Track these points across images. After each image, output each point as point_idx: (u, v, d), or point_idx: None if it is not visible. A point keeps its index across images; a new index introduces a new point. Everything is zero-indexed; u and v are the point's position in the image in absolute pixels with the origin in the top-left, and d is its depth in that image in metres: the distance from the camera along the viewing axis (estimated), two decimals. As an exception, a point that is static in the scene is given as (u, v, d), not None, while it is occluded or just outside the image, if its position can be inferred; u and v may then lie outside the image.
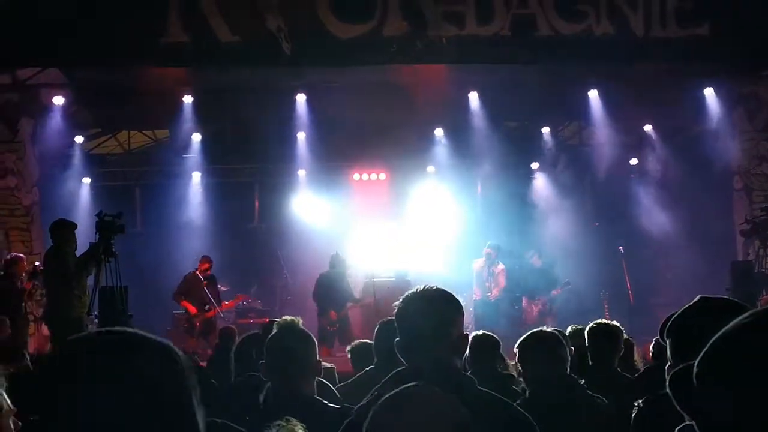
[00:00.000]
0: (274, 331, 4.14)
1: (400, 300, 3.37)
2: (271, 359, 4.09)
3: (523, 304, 16.14)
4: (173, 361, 1.62)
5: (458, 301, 3.37)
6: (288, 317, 4.26)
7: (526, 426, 3.23)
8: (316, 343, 4.19)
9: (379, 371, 5.72)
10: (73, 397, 1.53)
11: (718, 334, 1.48)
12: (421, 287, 3.39)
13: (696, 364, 1.49)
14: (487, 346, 6.00)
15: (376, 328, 6.01)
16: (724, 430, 1.43)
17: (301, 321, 4.19)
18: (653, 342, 6.64)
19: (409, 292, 3.38)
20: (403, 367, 3.32)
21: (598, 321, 6.33)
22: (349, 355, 6.96)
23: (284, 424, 3.04)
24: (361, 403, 3.34)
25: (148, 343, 1.63)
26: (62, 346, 1.64)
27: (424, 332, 3.25)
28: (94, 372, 1.55)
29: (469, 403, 2.96)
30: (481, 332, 5.76)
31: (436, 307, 3.30)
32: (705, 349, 1.49)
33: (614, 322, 6.33)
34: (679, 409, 1.54)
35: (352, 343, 7.19)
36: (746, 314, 1.49)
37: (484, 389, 3.27)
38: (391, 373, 3.33)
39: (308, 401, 3.93)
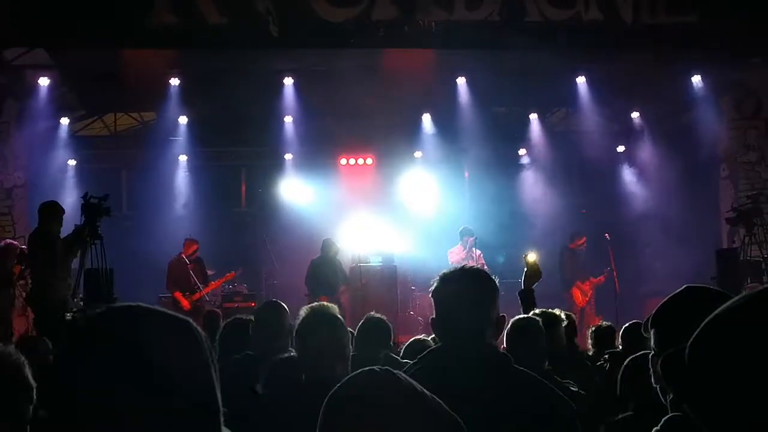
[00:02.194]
0: (305, 316, 4.13)
1: (438, 278, 3.37)
2: (305, 345, 4.10)
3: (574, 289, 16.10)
4: (194, 335, 1.62)
5: (495, 282, 3.37)
6: (323, 302, 4.29)
7: (565, 407, 3.23)
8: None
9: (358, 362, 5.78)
10: (91, 373, 1.52)
11: (710, 316, 1.48)
12: (460, 266, 3.40)
13: (688, 346, 1.49)
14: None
15: (361, 322, 6.06)
16: (716, 411, 1.43)
17: (336, 308, 4.20)
18: (622, 330, 6.73)
19: (447, 270, 3.39)
20: (438, 344, 3.35)
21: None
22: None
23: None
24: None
25: (165, 317, 1.63)
26: (79, 322, 1.63)
27: (462, 312, 3.26)
28: (113, 346, 1.54)
29: (507, 382, 2.98)
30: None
31: (475, 286, 3.31)
32: (698, 331, 1.49)
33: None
34: (670, 391, 1.54)
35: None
36: (737, 297, 1.50)
37: (521, 368, 3.27)
38: (426, 351, 3.38)
39: None
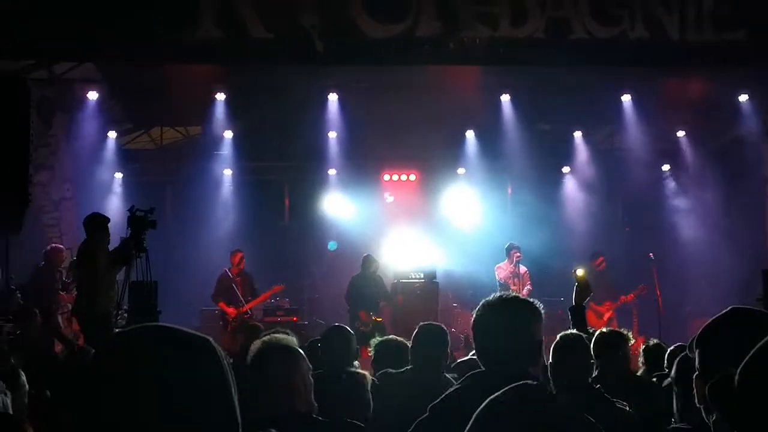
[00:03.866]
0: (259, 348, 4.04)
1: (479, 306, 3.41)
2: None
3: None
4: (214, 354, 1.64)
5: (538, 308, 3.39)
6: (278, 334, 4.22)
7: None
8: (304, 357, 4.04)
9: (416, 373, 5.79)
10: (116, 391, 1.55)
11: (761, 343, 1.48)
12: (500, 294, 3.44)
13: (739, 372, 1.49)
14: None
15: (416, 331, 6.03)
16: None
17: (293, 340, 4.10)
18: (668, 353, 6.64)
19: (489, 298, 3.42)
20: (481, 370, 3.36)
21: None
22: (371, 352, 6.93)
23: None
24: (435, 403, 3.36)
25: (187, 337, 1.66)
26: (105, 342, 1.67)
27: (501, 339, 3.29)
28: (139, 366, 1.58)
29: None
30: None
31: (515, 313, 3.34)
32: (748, 358, 1.49)
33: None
34: (718, 414, 1.53)
35: (378, 339, 7.17)
36: None
37: (564, 401, 3.28)
38: (467, 375, 3.39)
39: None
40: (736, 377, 1.49)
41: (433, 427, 3.25)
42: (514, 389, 1.97)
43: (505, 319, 3.31)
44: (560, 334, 5.29)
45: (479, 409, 1.96)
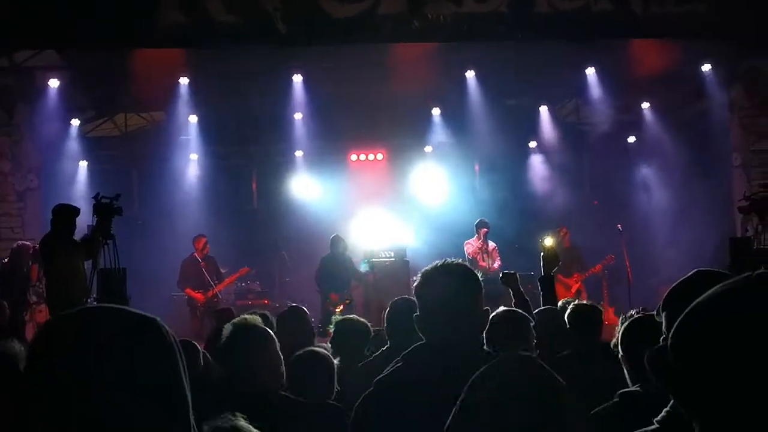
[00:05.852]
0: (230, 331, 4.13)
1: (420, 274, 3.33)
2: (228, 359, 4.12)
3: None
4: (161, 335, 1.61)
5: (477, 276, 3.32)
6: (247, 316, 4.27)
7: (555, 389, 3.23)
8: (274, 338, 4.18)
9: (394, 353, 5.66)
10: (62, 372, 1.53)
11: (692, 304, 1.47)
12: (441, 262, 3.33)
13: (671, 335, 1.47)
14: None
15: (387, 309, 5.88)
16: (699, 399, 1.41)
17: (259, 320, 4.19)
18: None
19: (429, 266, 3.32)
20: (423, 341, 3.29)
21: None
22: (331, 330, 6.72)
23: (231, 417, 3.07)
24: (381, 376, 3.31)
25: (134, 317, 1.62)
26: (50, 323, 1.64)
27: (446, 307, 3.20)
28: (82, 348, 1.55)
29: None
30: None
31: (458, 281, 3.25)
32: (679, 320, 1.47)
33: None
34: (656, 382, 1.52)
35: (337, 319, 6.97)
36: (720, 285, 1.48)
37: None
38: (412, 347, 3.30)
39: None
40: (669, 341, 1.48)
41: (379, 401, 3.21)
42: (504, 361, 1.97)
43: (448, 284, 3.22)
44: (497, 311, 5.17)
45: (468, 386, 1.95)
